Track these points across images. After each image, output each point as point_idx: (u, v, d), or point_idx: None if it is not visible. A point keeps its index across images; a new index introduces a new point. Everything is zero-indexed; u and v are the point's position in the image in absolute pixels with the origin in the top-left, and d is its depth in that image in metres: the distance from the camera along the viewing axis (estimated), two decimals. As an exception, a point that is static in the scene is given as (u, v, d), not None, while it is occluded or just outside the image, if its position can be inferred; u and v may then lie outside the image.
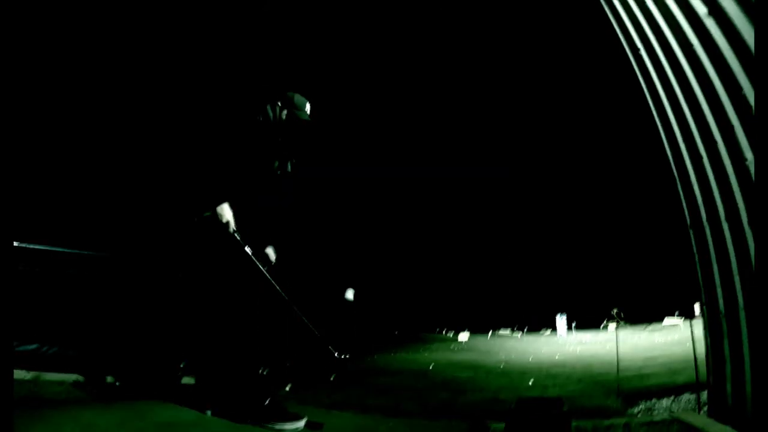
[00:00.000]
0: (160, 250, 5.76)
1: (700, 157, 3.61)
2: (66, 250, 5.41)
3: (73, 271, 5.27)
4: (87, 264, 5.46)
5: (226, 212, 3.18)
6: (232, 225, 3.18)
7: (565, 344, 20.07)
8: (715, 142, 3.39)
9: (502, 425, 3.13)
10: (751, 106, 2.90)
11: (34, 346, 4.77)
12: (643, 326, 21.35)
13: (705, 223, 3.69)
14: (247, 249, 3.21)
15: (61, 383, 4.20)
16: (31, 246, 5.17)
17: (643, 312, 24.22)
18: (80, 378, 4.41)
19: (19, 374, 4.33)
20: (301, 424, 3.10)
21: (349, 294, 17.09)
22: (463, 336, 28.61)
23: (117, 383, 4.48)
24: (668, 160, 4.06)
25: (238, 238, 3.19)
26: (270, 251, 3.57)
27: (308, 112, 3.56)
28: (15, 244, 4.95)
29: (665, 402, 5.08)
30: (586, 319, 27.86)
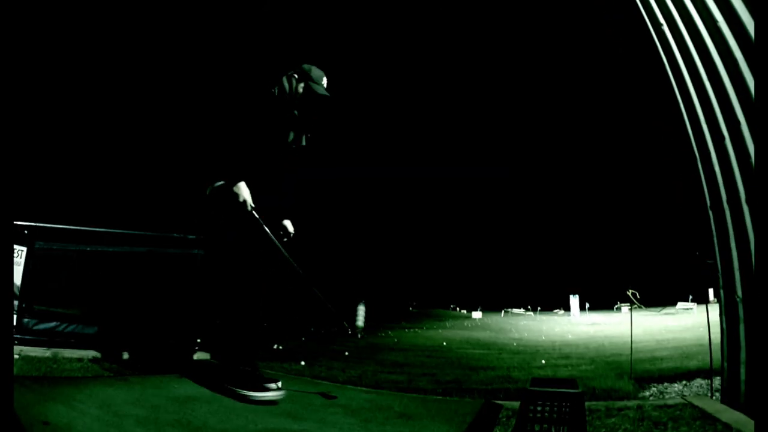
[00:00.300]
0: (177, 228, 5.81)
1: (723, 138, 3.50)
2: (82, 229, 5.49)
3: (91, 249, 5.35)
4: (105, 242, 5.54)
5: (243, 191, 3.14)
6: (250, 203, 3.14)
7: (578, 324, 20.08)
8: (738, 123, 3.29)
9: (515, 404, 3.13)
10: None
11: (52, 324, 4.89)
12: (657, 309, 21.24)
13: (725, 205, 3.60)
14: (266, 229, 3.19)
15: (79, 359, 4.29)
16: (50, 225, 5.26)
17: (656, 295, 24.09)
18: (98, 354, 4.51)
19: (38, 351, 4.45)
20: (274, 393, 3.04)
21: (360, 313, 14.24)
22: (477, 313, 28.80)
23: (133, 359, 4.57)
24: (689, 141, 3.95)
25: (257, 216, 3.16)
26: (288, 223, 3.56)
27: (325, 85, 3.47)
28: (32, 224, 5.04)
29: (677, 386, 5.05)
30: (599, 300, 27.81)
